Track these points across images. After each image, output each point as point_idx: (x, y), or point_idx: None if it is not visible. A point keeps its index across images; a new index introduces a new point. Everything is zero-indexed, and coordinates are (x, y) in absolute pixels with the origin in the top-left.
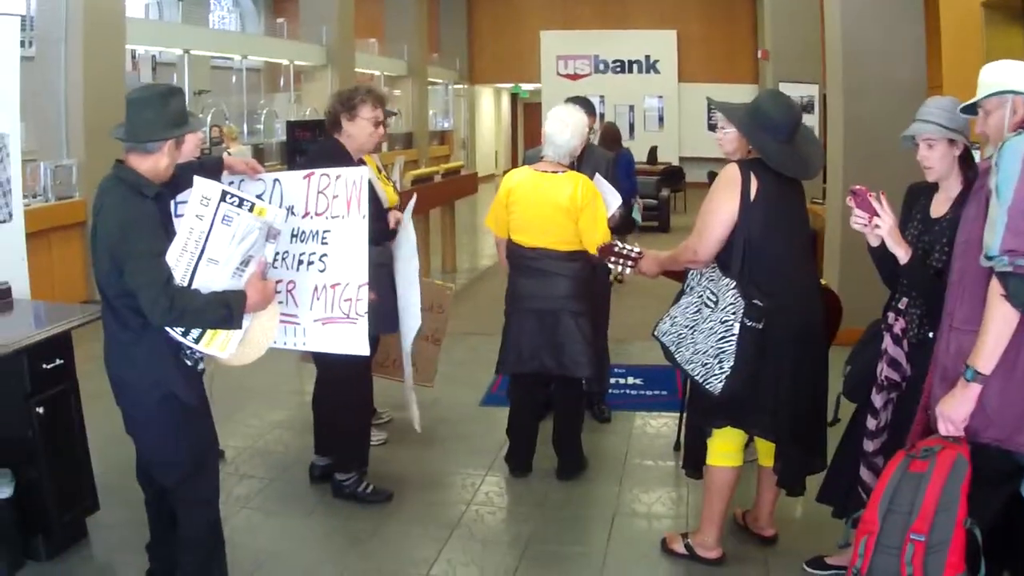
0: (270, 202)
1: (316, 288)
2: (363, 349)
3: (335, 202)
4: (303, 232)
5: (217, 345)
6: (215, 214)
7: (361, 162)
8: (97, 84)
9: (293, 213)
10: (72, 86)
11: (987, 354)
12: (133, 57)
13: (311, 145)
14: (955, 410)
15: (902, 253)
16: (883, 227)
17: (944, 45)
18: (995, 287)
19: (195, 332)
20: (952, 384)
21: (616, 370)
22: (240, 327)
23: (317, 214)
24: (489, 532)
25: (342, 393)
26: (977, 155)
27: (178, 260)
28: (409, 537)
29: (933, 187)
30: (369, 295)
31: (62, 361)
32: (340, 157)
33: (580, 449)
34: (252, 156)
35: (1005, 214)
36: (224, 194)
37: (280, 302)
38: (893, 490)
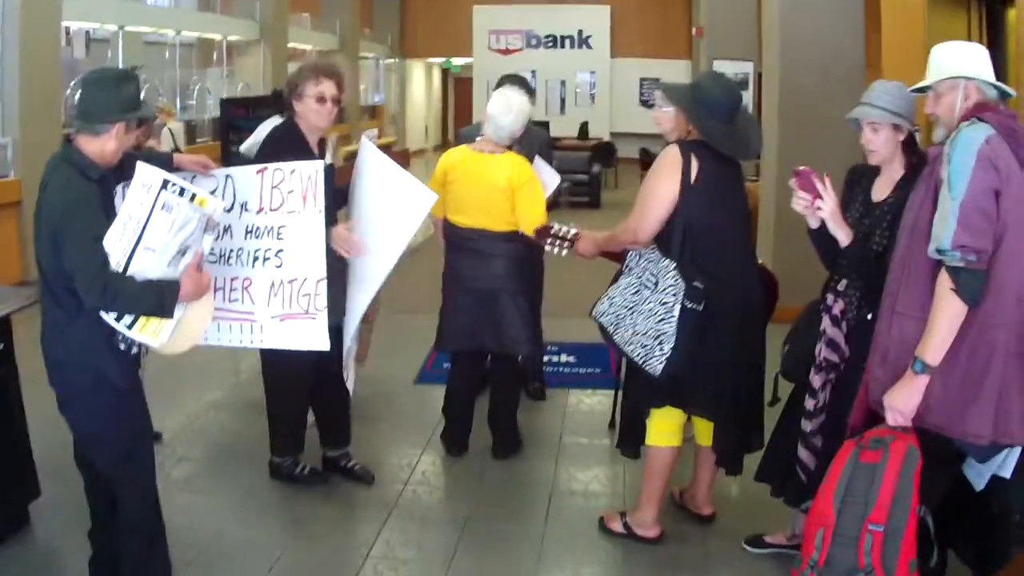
0: (223, 198)
1: (273, 284)
2: (323, 344)
3: (290, 197)
4: (258, 228)
5: (149, 332)
6: (155, 202)
7: (322, 142)
8: (33, 61)
9: (247, 209)
10: (7, 63)
11: (935, 347)
12: (67, 33)
13: (246, 122)
14: (904, 401)
15: (843, 236)
16: (825, 209)
17: (884, 26)
18: (944, 281)
19: (128, 318)
20: (895, 369)
21: (549, 348)
22: (172, 316)
23: (272, 209)
24: (427, 511)
25: (279, 377)
26: (918, 135)
27: (115, 245)
28: (348, 518)
29: (875, 170)
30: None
31: (2, 345)
32: (292, 140)
33: (516, 427)
34: (185, 132)
35: (957, 208)
36: (165, 182)
37: (235, 299)
38: (847, 482)
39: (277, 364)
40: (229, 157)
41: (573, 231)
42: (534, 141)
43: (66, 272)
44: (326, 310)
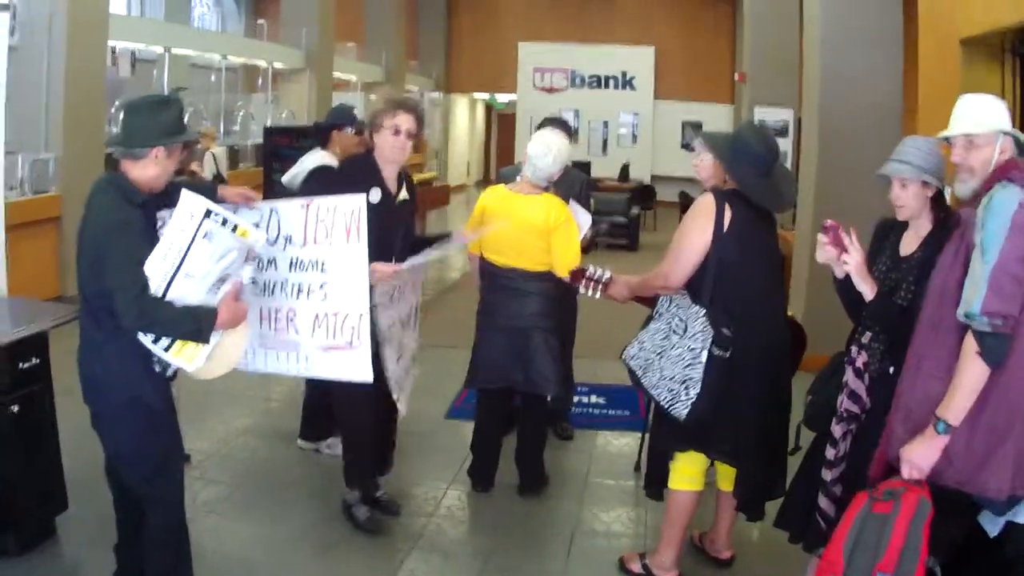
0: (267, 231)
1: (317, 316)
2: (366, 376)
3: (334, 231)
4: (302, 261)
5: (185, 357)
6: (197, 229)
7: (400, 176)
8: (78, 78)
9: (291, 242)
10: (53, 79)
11: (958, 408)
12: (113, 52)
13: (289, 151)
14: (922, 457)
15: (868, 290)
16: (851, 263)
17: (921, 79)
18: (970, 344)
19: (164, 341)
20: (916, 427)
21: (580, 388)
22: (208, 342)
23: (316, 243)
24: (450, 545)
25: (340, 410)
26: (948, 192)
27: (155, 269)
28: (372, 548)
29: (903, 224)
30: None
31: (38, 360)
32: (364, 170)
33: (542, 466)
34: (227, 157)
35: (989, 274)
36: (208, 211)
37: (280, 329)
38: (858, 530)
39: (344, 398)
40: (271, 184)
41: (607, 275)
42: (573, 182)
43: (106, 293)
44: (369, 342)
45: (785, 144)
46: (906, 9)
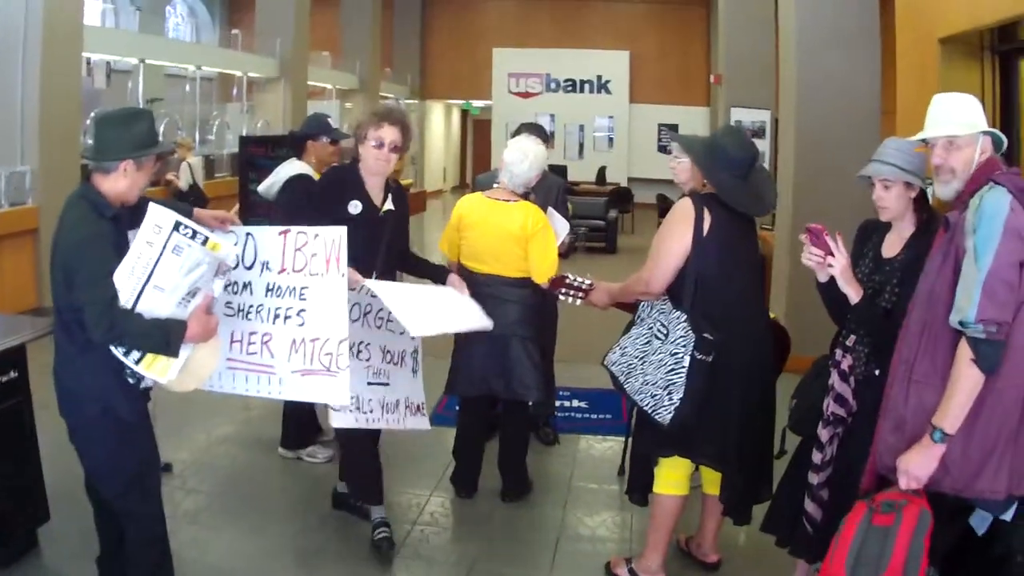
0: (242, 255)
1: (295, 342)
2: (344, 399)
3: (313, 260)
4: (279, 287)
5: (157, 370)
6: (166, 243)
7: (388, 187)
8: (54, 90)
9: (268, 268)
10: (28, 91)
11: (955, 416)
12: (88, 64)
13: (264, 161)
14: (920, 468)
15: (853, 293)
16: (836, 267)
17: (900, 76)
18: (964, 351)
19: (136, 353)
20: (911, 436)
21: (561, 393)
22: (177, 356)
23: (295, 271)
24: (434, 552)
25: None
26: (930, 192)
27: (124, 282)
28: (355, 556)
29: (886, 226)
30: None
31: (16, 373)
32: (347, 182)
33: (525, 471)
34: (203, 167)
35: (983, 281)
36: (177, 224)
37: (254, 352)
38: (859, 544)
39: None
40: (247, 194)
41: (587, 282)
42: (550, 188)
43: (77, 306)
44: (348, 369)
45: (763, 145)
46: (884, 8)
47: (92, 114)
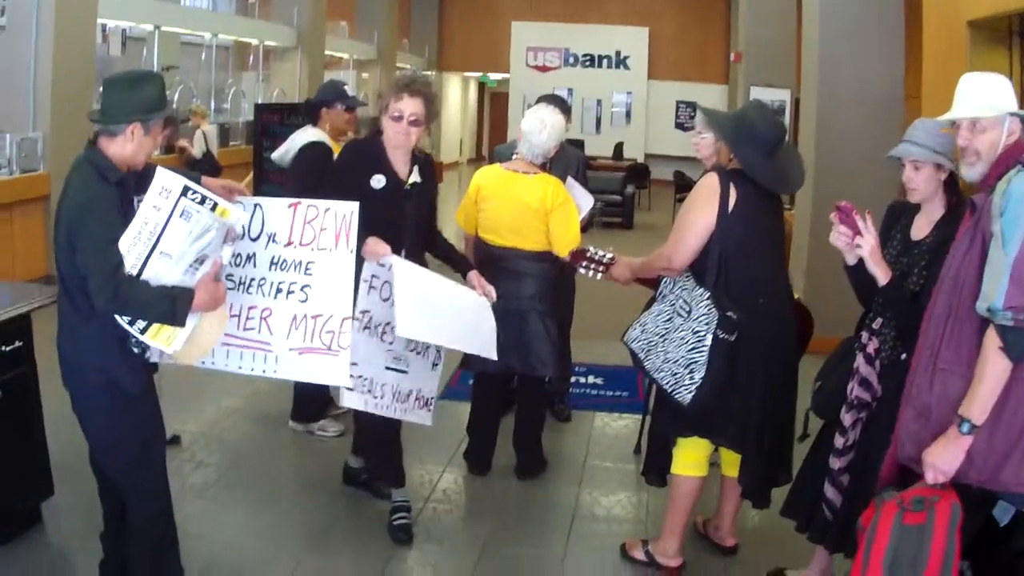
0: (250, 226)
1: (295, 318)
2: (343, 380)
3: (323, 234)
4: (284, 261)
5: (162, 339)
6: (174, 208)
7: (417, 158)
8: (67, 57)
9: (275, 240)
10: (42, 58)
11: (982, 406)
12: (103, 30)
13: (279, 128)
14: (947, 461)
15: (881, 275)
16: (865, 247)
17: (926, 59)
18: (992, 339)
19: (141, 323)
20: (936, 426)
21: (577, 369)
22: (183, 325)
23: (302, 244)
24: (446, 531)
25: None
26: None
27: (130, 248)
28: (365, 533)
29: (915, 207)
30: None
31: (21, 343)
32: (367, 155)
33: (541, 449)
34: (218, 135)
35: (1011, 266)
36: (186, 189)
37: (251, 328)
38: (895, 546)
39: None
40: (261, 162)
41: (609, 256)
42: (570, 161)
43: (81, 273)
44: (349, 349)
45: None
46: None
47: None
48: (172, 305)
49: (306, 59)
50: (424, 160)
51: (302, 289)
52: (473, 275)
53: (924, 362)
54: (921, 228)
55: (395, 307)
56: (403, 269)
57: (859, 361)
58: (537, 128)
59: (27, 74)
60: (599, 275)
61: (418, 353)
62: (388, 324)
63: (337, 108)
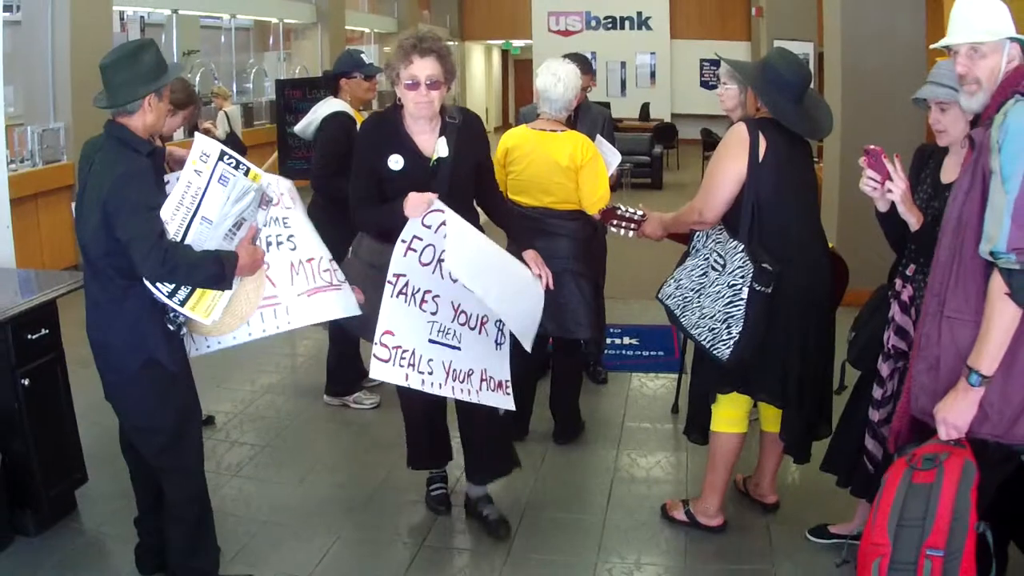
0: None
1: (293, 264)
2: (355, 310)
3: (283, 197)
4: (266, 219)
5: (202, 309)
6: (212, 172)
7: (448, 124)
8: (84, 46)
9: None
10: (59, 49)
11: (991, 356)
12: (121, 19)
13: (301, 103)
14: (959, 415)
15: (913, 220)
16: (896, 192)
17: (948, 8)
18: (998, 284)
19: (182, 293)
20: (948, 376)
21: (611, 330)
22: (231, 287)
23: (274, 204)
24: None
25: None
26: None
27: (173, 215)
28: (403, 503)
29: (943, 150)
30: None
31: (47, 331)
32: (384, 131)
33: (578, 412)
34: (242, 115)
35: (1012, 205)
36: (222, 153)
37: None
38: (901, 505)
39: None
40: (285, 139)
41: (639, 213)
42: (596, 119)
43: (115, 250)
44: (347, 281)
45: None
46: None
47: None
48: (220, 267)
49: (327, 35)
50: (460, 124)
51: (288, 239)
52: (531, 254)
53: (932, 310)
54: (951, 171)
55: (446, 241)
56: (456, 222)
57: (894, 309)
58: (552, 83)
59: (46, 66)
60: (631, 233)
61: (472, 328)
62: (429, 293)
63: (356, 77)
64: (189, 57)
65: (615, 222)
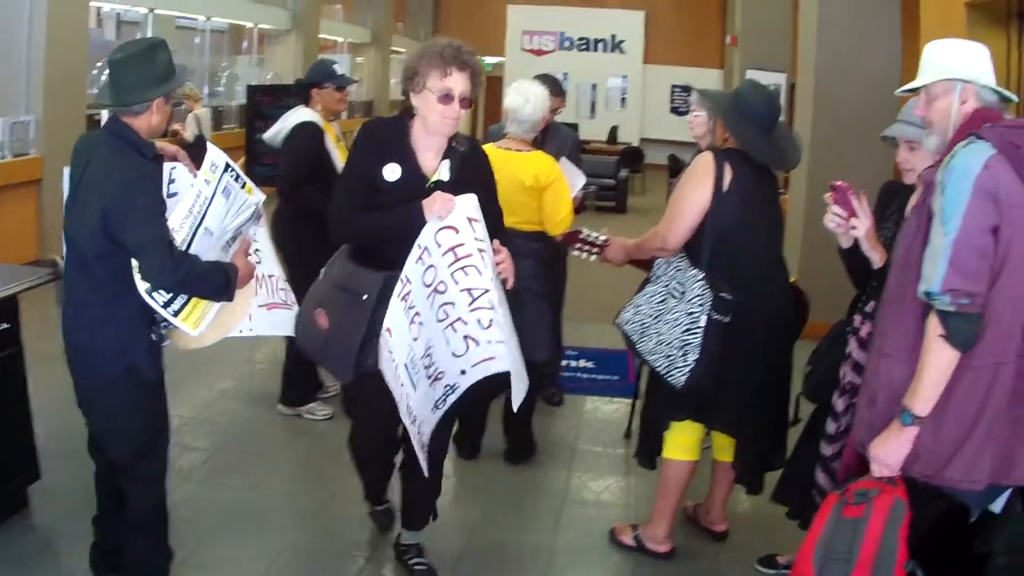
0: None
1: (258, 277)
2: (291, 331)
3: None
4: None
5: (192, 321)
6: (218, 183)
7: (454, 149)
8: (60, 41)
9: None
10: (35, 43)
11: (924, 397)
12: (98, 15)
13: (270, 110)
14: (890, 453)
15: (877, 258)
16: (860, 229)
17: (923, 41)
18: (933, 326)
19: (177, 303)
20: (883, 415)
21: (568, 352)
22: (231, 299)
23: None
24: (437, 516)
25: (358, 426)
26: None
27: (181, 224)
28: (352, 517)
29: (909, 188)
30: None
31: (8, 325)
32: (387, 141)
33: (531, 432)
34: (212, 118)
35: (950, 247)
36: (227, 165)
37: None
38: (829, 538)
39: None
40: (253, 145)
41: (603, 238)
42: (564, 141)
43: (109, 253)
44: (296, 304)
45: None
46: None
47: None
48: (227, 277)
49: (301, 42)
50: (466, 153)
51: (255, 252)
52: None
53: (875, 346)
54: None
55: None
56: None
57: (852, 345)
58: (520, 103)
59: (20, 58)
60: (593, 257)
61: (429, 376)
62: (418, 316)
63: (328, 88)
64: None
65: (578, 246)
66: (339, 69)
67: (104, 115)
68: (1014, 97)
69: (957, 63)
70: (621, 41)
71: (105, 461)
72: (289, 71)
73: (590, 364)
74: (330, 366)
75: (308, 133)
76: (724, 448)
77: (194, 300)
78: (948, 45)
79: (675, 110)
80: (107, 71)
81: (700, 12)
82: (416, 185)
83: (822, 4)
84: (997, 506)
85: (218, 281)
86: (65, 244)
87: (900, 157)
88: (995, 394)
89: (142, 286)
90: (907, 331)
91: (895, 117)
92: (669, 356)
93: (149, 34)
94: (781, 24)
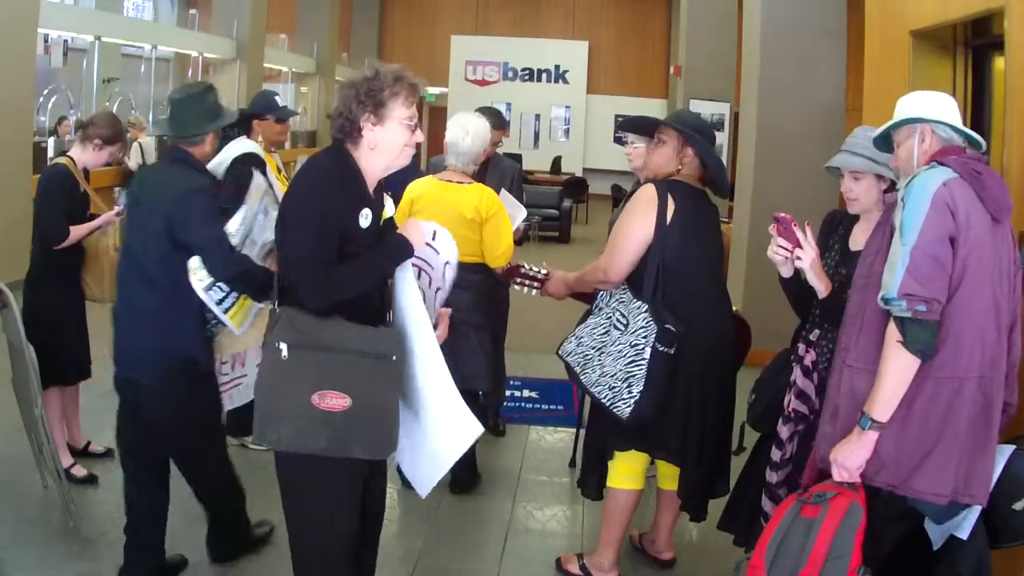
0: None
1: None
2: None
3: None
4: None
5: (238, 319)
6: (260, 202)
7: (379, 188)
8: (7, 66)
9: None
10: None
11: (883, 403)
12: (45, 41)
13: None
14: (850, 458)
15: (822, 287)
16: (805, 260)
17: (867, 70)
18: (892, 333)
19: (228, 301)
20: (844, 425)
21: (512, 382)
22: (270, 299)
23: None
24: (379, 545)
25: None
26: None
27: (236, 229)
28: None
29: (853, 217)
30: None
31: None
32: (351, 183)
33: (474, 463)
34: (156, 147)
35: (907, 255)
36: (269, 185)
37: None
38: (783, 535)
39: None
40: None
41: (543, 272)
42: (505, 173)
43: (170, 256)
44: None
45: (721, 138)
46: (852, 1)
47: (168, 95)
48: (269, 276)
49: (245, 71)
50: (380, 187)
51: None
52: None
53: (837, 363)
54: (860, 238)
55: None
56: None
57: (796, 373)
58: (460, 136)
59: None
60: (534, 291)
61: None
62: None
63: (268, 120)
64: (109, 84)
65: (519, 280)
66: (281, 100)
67: (50, 143)
68: (981, 141)
69: (917, 108)
70: (565, 71)
71: (142, 464)
72: (234, 99)
73: (534, 394)
74: (363, 446)
75: (249, 164)
76: (669, 477)
77: (240, 301)
78: (914, 95)
79: (618, 140)
80: (169, 108)
81: (644, 42)
82: (376, 227)
83: (765, 34)
84: (964, 532)
85: (264, 278)
86: (122, 256)
87: (844, 187)
88: (957, 408)
89: (198, 285)
90: (867, 344)
91: (840, 145)
92: (613, 388)
93: (96, 62)
94: (725, 54)
